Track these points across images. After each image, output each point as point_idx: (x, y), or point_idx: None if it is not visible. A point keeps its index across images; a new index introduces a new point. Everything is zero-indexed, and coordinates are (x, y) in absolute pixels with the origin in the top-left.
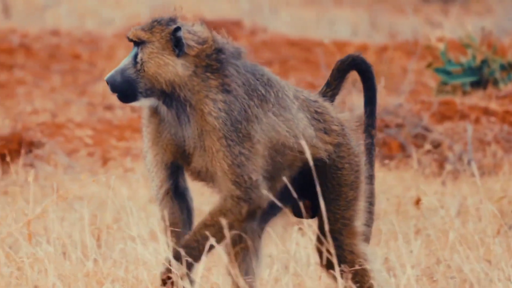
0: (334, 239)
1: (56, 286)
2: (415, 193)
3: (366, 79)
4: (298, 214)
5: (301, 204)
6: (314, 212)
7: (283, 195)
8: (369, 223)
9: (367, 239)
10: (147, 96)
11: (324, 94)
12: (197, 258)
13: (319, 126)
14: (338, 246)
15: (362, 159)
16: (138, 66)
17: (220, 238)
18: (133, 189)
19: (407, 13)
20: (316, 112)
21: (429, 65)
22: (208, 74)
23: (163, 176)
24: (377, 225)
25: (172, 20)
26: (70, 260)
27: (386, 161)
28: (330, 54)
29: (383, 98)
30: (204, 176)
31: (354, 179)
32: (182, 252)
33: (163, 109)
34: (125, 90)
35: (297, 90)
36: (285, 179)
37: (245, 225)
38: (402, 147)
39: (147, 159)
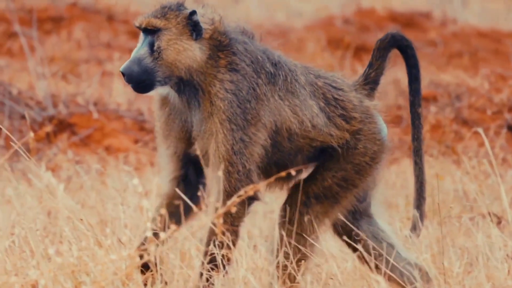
0: (306, 197)
1: (247, 278)
2: None
3: (409, 56)
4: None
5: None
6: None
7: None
8: (421, 206)
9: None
10: (164, 84)
11: (366, 76)
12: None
13: (336, 113)
14: (305, 204)
15: (384, 151)
16: (156, 54)
17: (234, 240)
18: None
19: None
20: (335, 98)
21: None
22: (219, 53)
23: (173, 167)
24: None
25: (181, 4)
26: (260, 253)
27: None
28: None
29: None
30: (206, 161)
31: (363, 163)
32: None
33: (174, 97)
34: (143, 80)
35: (319, 76)
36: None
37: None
38: None
39: (159, 152)
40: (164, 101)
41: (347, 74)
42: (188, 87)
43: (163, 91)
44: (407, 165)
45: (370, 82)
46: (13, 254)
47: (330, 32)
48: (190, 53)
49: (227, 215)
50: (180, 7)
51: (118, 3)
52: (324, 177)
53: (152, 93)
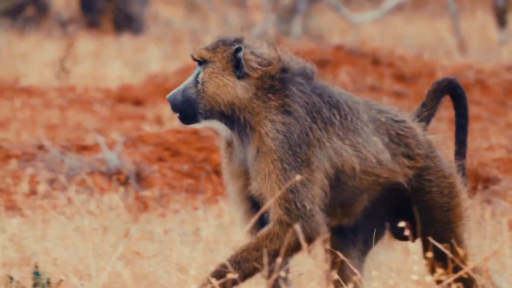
0: (444, 261)
1: None
2: None
3: (459, 105)
4: (400, 237)
5: (403, 225)
6: (415, 234)
7: (377, 218)
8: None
9: None
10: (207, 117)
11: (419, 114)
12: (238, 280)
13: (399, 150)
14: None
15: (456, 179)
16: (199, 86)
17: (261, 264)
18: None
19: None
20: (398, 134)
21: None
22: (270, 95)
23: (246, 207)
24: None
25: (238, 40)
26: None
27: None
28: None
29: None
30: (262, 201)
31: (446, 201)
32: (225, 268)
33: (233, 135)
34: (185, 110)
35: (381, 111)
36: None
37: (302, 252)
38: None
39: (228, 190)
40: (229, 140)
41: None
42: (236, 123)
43: (209, 124)
44: None
45: (422, 120)
46: None
47: None
48: (230, 89)
49: (273, 240)
50: (234, 42)
51: (383, 46)
52: (431, 234)
53: (197, 125)
